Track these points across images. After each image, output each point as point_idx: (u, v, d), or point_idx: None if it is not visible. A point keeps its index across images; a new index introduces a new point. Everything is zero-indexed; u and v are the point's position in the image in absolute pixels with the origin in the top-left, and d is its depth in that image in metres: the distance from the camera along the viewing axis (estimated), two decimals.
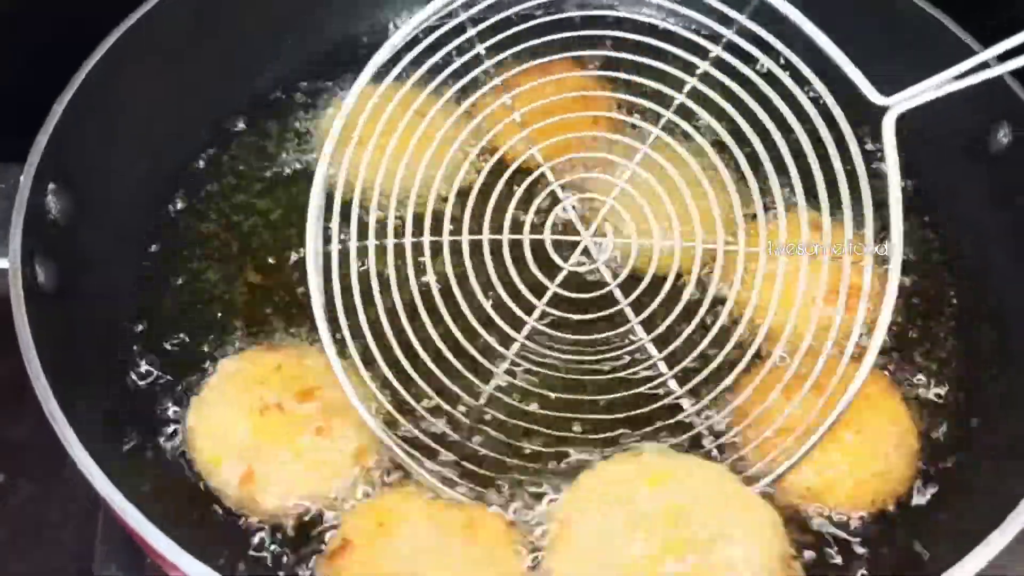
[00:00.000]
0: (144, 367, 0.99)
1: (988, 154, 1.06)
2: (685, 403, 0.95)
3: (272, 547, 0.89)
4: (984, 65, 0.87)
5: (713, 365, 0.94)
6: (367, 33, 1.27)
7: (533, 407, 0.94)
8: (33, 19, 1.15)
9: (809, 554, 0.89)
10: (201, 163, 1.15)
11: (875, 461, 0.91)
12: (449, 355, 0.93)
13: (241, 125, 1.18)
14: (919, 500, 0.93)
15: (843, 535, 0.91)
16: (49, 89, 0.98)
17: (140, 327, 1.02)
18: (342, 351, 0.90)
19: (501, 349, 0.96)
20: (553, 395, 0.96)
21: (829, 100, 0.94)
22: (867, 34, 1.00)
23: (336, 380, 0.89)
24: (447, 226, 1.01)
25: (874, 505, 0.91)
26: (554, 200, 1.08)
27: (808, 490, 0.91)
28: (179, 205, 1.11)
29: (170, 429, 0.95)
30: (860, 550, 0.90)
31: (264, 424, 0.90)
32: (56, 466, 1.05)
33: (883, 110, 0.89)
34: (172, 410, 0.96)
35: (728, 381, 0.94)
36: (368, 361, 0.92)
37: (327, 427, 0.90)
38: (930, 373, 1.01)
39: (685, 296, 0.98)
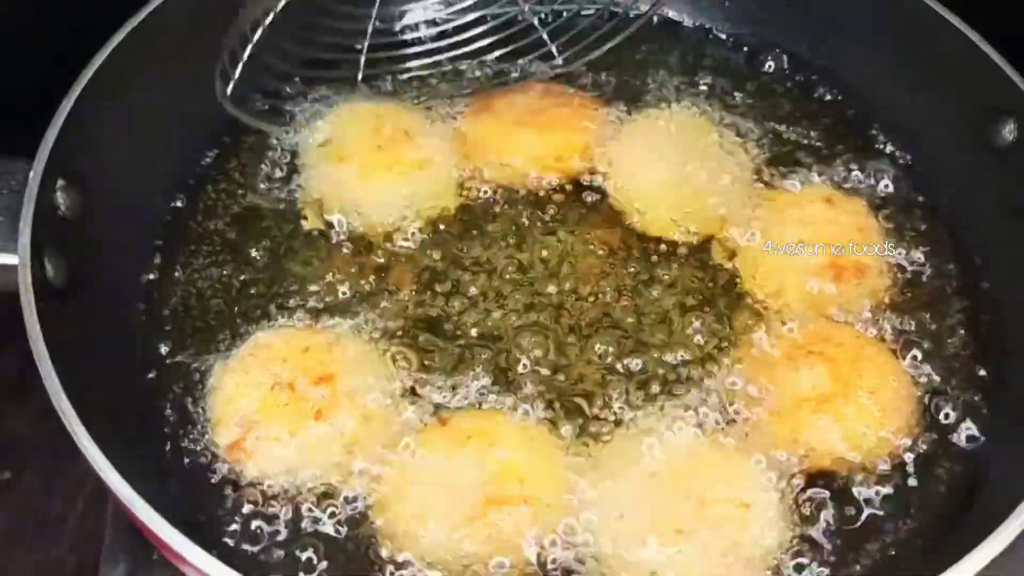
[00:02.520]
0: (151, 360, 0.99)
1: (994, 149, 1.06)
2: None
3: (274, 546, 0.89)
4: None
5: None
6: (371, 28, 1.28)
7: None
8: (42, 16, 1.15)
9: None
10: (208, 158, 1.15)
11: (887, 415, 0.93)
12: None
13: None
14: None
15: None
16: (57, 86, 0.98)
17: (148, 321, 1.02)
18: None
19: None
20: None
21: None
22: None
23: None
24: None
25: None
26: None
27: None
28: (186, 200, 1.11)
29: (178, 421, 0.95)
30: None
31: (270, 399, 0.91)
32: (60, 461, 1.06)
33: None
34: (179, 402, 0.96)
35: None
36: None
37: (327, 414, 0.91)
38: (934, 363, 1.02)
39: None
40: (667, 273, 1.05)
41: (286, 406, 0.91)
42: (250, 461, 0.90)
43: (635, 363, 0.99)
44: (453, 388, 0.97)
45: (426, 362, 0.99)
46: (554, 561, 0.87)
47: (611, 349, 1.00)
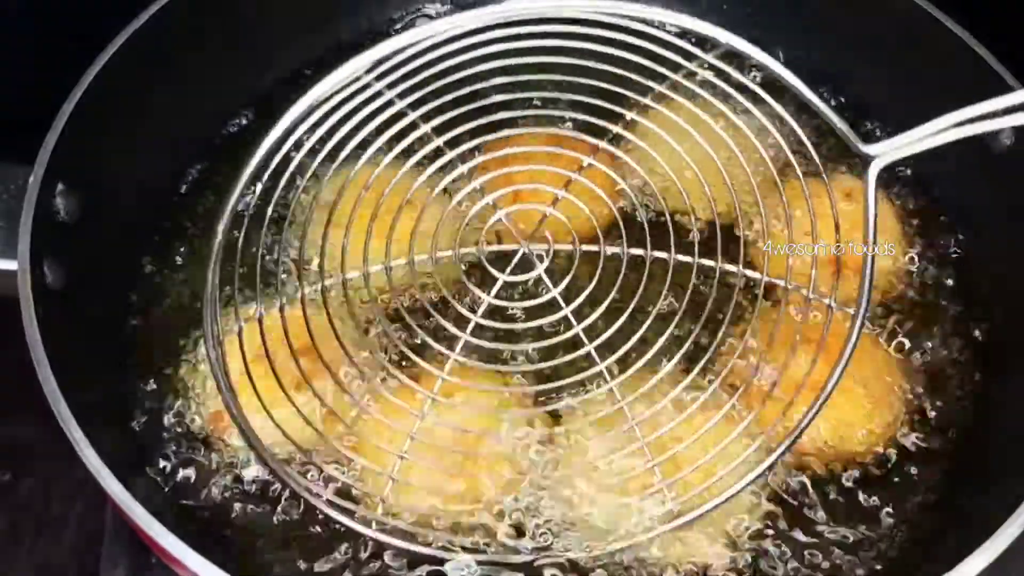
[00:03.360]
0: (150, 364, 0.99)
1: (991, 154, 1.06)
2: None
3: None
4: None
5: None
6: (371, 29, 1.28)
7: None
8: (41, 20, 1.16)
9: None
10: (206, 164, 1.15)
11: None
12: None
13: (246, 124, 1.18)
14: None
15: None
16: (57, 91, 0.99)
17: (146, 324, 1.03)
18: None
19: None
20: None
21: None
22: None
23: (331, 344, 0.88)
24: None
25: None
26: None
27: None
28: (184, 204, 1.12)
29: (177, 426, 0.96)
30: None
31: (250, 370, 0.87)
32: (60, 464, 1.05)
33: (867, 160, 0.87)
34: (178, 408, 0.96)
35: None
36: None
37: (301, 386, 0.88)
38: (929, 361, 1.02)
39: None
40: (664, 254, 0.98)
41: (264, 378, 0.87)
42: (231, 432, 0.91)
43: (620, 337, 0.90)
44: (430, 355, 0.91)
45: (407, 333, 0.96)
46: (530, 521, 0.88)
47: (595, 319, 0.92)
